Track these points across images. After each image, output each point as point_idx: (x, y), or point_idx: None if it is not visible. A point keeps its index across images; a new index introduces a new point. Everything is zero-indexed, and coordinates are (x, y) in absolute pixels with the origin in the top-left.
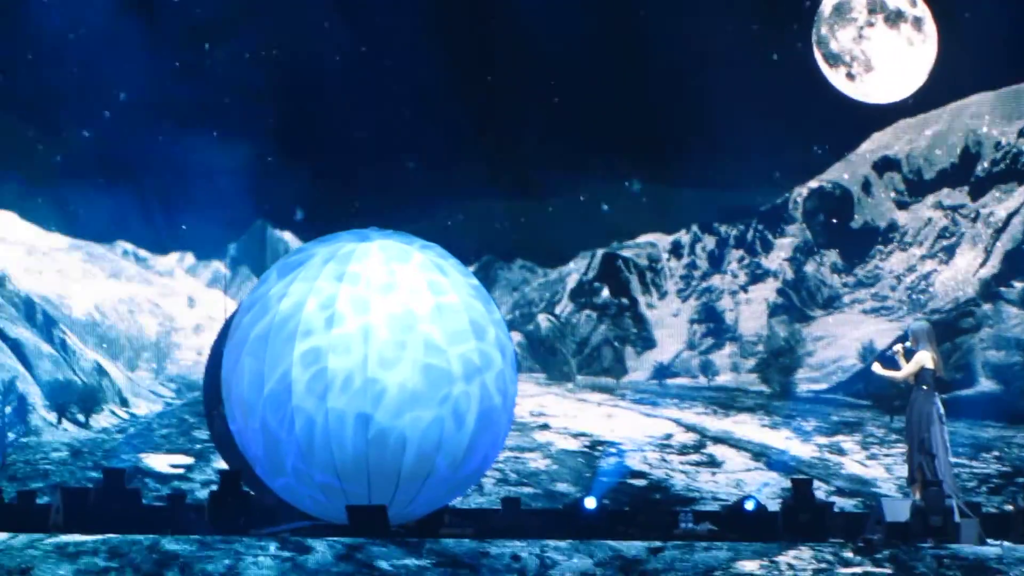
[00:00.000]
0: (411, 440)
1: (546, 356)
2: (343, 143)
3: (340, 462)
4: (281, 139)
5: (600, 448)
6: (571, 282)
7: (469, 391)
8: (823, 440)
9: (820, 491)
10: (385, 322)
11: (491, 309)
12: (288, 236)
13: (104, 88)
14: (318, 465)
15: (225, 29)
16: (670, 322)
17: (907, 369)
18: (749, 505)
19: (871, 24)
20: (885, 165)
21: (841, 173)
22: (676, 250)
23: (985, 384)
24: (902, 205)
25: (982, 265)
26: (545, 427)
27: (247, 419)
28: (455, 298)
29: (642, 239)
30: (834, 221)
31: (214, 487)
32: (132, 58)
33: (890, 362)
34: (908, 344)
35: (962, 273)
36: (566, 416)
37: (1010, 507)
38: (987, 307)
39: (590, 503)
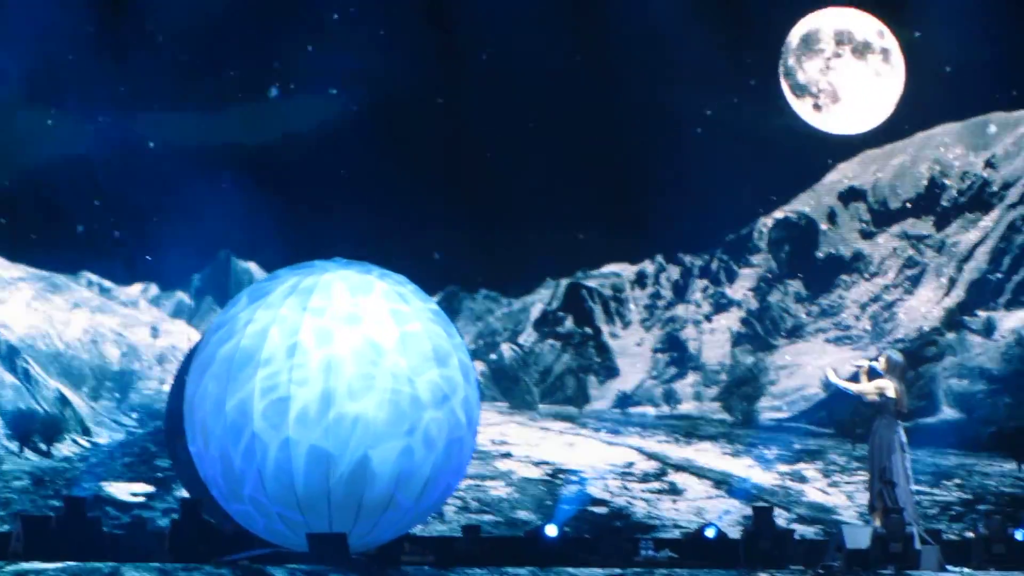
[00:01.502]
0: (379, 473)
1: (509, 385)
2: (307, 174)
3: (301, 494)
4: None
5: (562, 476)
6: (535, 312)
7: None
8: (785, 468)
9: (781, 519)
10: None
11: (451, 333)
12: (253, 266)
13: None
14: (274, 497)
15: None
16: (633, 351)
17: (863, 387)
18: (710, 532)
19: (838, 55)
20: (851, 195)
21: (806, 203)
22: (640, 280)
23: (948, 412)
24: (867, 235)
25: (946, 295)
26: (507, 455)
27: (207, 444)
28: (418, 326)
29: (606, 269)
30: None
31: (175, 516)
32: (98, 89)
33: (851, 377)
34: (875, 365)
35: (926, 303)
36: (528, 444)
37: (971, 534)
38: (951, 336)
39: (551, 531)
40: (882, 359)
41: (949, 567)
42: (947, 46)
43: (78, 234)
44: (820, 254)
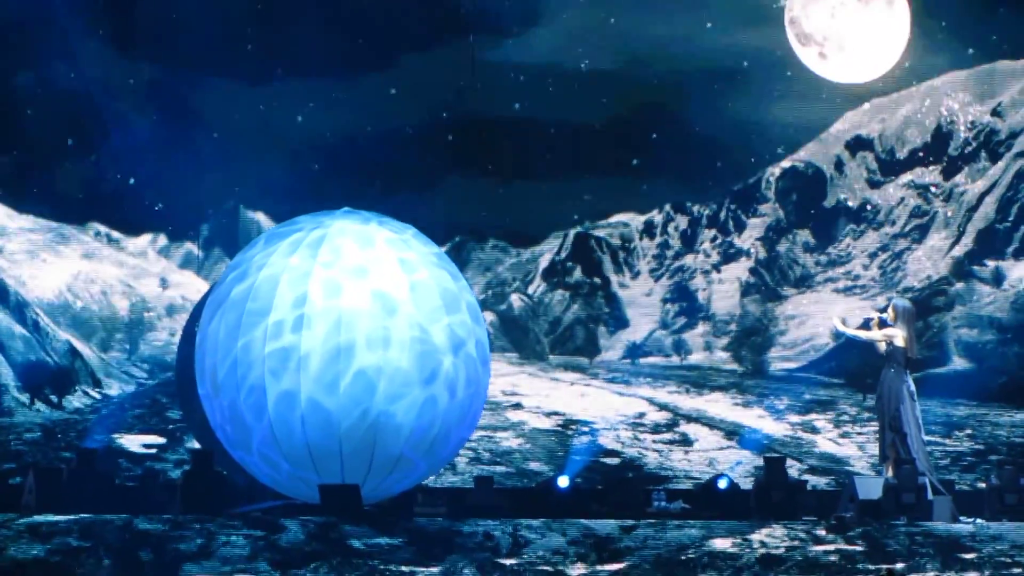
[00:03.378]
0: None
1: (519, 336)
2: (315, 124)
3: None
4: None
5: (573, 427)
6: (544, 262)
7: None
8: (796, 419)
9: (793, 469)
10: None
11: (456, 276)
12: (261, 216)
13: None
14: (283, 451)
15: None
16: (643, 301)
17: (872, 335)
18: (722, 483)
19: (843, 4)
20: (858, 144)
21: (814, 152)
22: (649, 230)
23: (958, 362)
24: (875, 184)
25: (955, 244)
26: (518, 406)
27: (217, 394)
28: (425, 274)
29: (615, 219)
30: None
31: (187, 467)
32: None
33: (862, 326)
34: (885, 316)
35: (935, 252)
36: (539, 395)
37: (983, 485)
38: (960, 286)
39: (563, 482)
40: (889, 307)
41: (962, 518)
42: None
43: (85, 183)
44: (828, 203)
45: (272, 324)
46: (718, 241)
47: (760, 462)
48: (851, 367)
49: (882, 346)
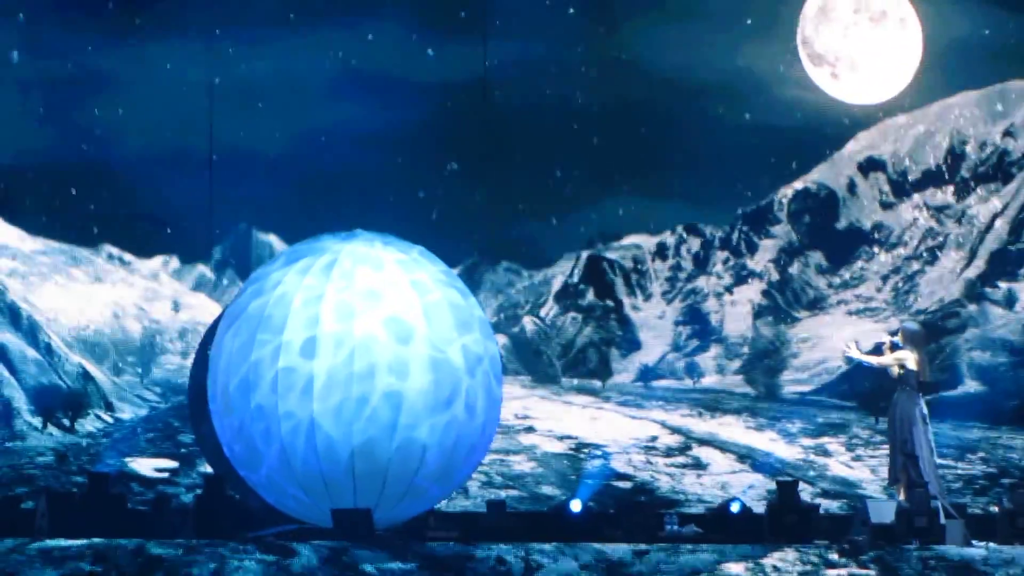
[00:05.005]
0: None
1: (531, 358)
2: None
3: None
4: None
5: (585, 450)
6: (556, 284)
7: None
8: (808, 442)
9: (805, 493)
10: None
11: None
12: (273, 239)
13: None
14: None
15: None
16: (655, 324)
17: (884, 360)
18: (734, 507)
19: (855, 24)
20: (870, 165)
21: (826, 174)
22: (661, 252)
23: (970, 385)
24: (887, 206)
25: (967, 266)
26: (530, 430)
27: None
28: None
29: (627, 241)
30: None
31: (199, 491)
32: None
33: (874, 351)
34: (897, 340)
35: (947, 274)
36: (551, 418)
37: (995, 508)
38: (972, 308)
39: (575, 506)
40: (900, 331)
41: (974, 541)
42: (965, 15)
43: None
44: (840, 225)
45: (284, 344)
46: (731, 263)
47: (773, 485)
48: (864, 390)
49: (895, 370)
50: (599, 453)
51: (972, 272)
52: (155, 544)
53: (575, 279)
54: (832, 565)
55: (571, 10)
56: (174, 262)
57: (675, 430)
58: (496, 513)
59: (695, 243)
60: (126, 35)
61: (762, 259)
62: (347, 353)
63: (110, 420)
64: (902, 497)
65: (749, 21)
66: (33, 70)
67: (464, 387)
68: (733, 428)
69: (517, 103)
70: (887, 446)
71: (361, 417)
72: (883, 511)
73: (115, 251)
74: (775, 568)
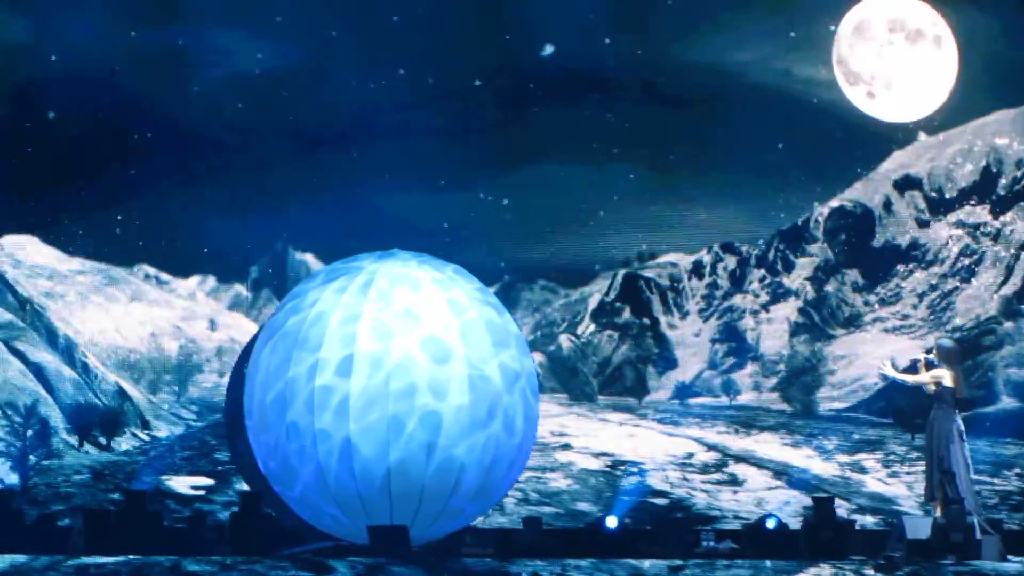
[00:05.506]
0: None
1: (568, 377)
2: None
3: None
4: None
5: (621, 467)
6: (593, 302)
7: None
8: (844, 458)
9: (841, 509)
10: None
11: (501, 311)
12: (310, 258)
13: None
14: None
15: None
16: (691, 342)
17: (920, 378)
18: (770, 523)
19: (891, 43)
20: (906, 184)
21: (862, 192)
22: (697, 270)
23: (1006, 402)
24: (923, 223)
25: (1003, 283)
26: (567, 447)
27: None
28: (474, 314)
29: (663, 259)
30: (854, 239)
31: (235, 509)
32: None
33: (909, 368)
34: (931, 357)
35: (983, 291)
36: (587, 436)
37: None
38: (1008, 325)
39: (611, 522)
40: (935, 349)
41: (1010, 557)
42: (1000, 32)
43: (134, 226)
44: (876, 243)
45: (320, 361)
46: (767, 281)
47: (809, 502)
48: (900, 407)
49: (930, 388)
50: (635, 470)
51: (1008, 289)
52: (191, 561)
53: (611, 297)
54: None
55: (605, 39)
56: (211, 281)
57: (711, 447)
58: (532, 530)
59: (731, 261)
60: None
61: (798, 277)
62: (384, 373)
63: (146, 438)
64: (938, 513)
65: (792, 34)
66: None
67: (503, 404)
68: (769, 445)
69: (556, 117)
70: (924, 463)
71: (398, 436)
72: (919, 527)
73: (152, 271)
74: None
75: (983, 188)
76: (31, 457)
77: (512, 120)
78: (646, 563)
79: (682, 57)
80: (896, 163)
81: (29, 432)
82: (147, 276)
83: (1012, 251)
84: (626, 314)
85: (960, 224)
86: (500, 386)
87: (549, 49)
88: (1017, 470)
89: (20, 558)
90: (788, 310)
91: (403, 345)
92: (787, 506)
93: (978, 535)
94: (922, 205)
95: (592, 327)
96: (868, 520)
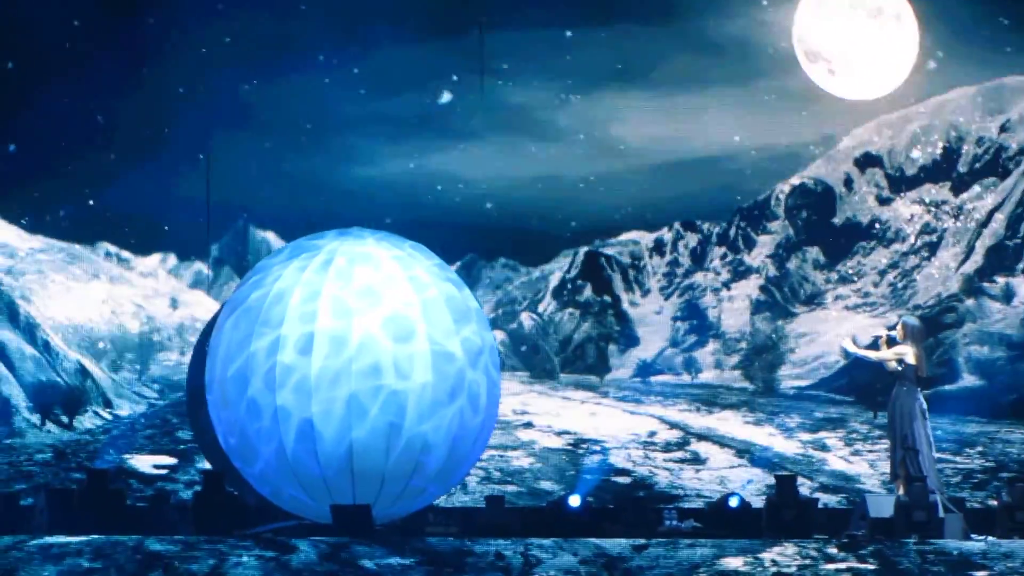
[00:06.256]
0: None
1: (529, 354)
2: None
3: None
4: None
5: (584, 446)
6: (554, 280)
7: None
8: (807, 436)
9: (804, 487)
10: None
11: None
12: (271, 236)
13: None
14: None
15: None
16: (653, 320)
17: (883, 354)
18: (733, 502)
19: (852, 20)
20: (867, 161)
21: (823, 169)
22: (659, 247)
23: (968, 379)
24: (884, 201)
25: (964, 261)
26: (529, 425)
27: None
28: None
29: (624, 237)
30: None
31: (198, 488)
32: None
33: (870, 345)
34: (893, 334)
35: (945, 269)
36: (549, 414)
37: (994, 502)
38: (970, 302)
39: (574, 501)
40: (899, 326)
41: (973, 535)
42: (961, 10)
43: (95, 204)
44: (837, 220)
45: (282, 338)
46: (728, 259)
47: (771, 480)
48: (861, 384)
49: (892, 365)
50: (598, 448)
51: (970, 267)
52: (154, 540)
53: (573, 275)
54: (831, 559)
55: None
56: (172, 259)
57: (673, 425)
58: (495, 508)
59: (692, 239)
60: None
61: (759, 255)
62: (346, 351)
63: (108, 417)
64: (901, 492)
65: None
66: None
67: (467, 380)
68: (731, 423)
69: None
70: (886, 441)
71: (360, 415)
72: (882, 505)
73: (113, 249)
74: (774, 562)
75: (943, 166)
76: None
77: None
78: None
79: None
80: (856, 141)
81: None
82: (108, 254)
83: (973, 228)
84: (587, 292)
85: (921, 202)
86: (464, 362)
87: (447, 96)
88: (979, 448)
89: None
90: (749, 288)
91: (364, 324)
92: (750, 484)
93: (941, 513)
94: (883, 183)
95: (553, 305)
96: (831, 498)
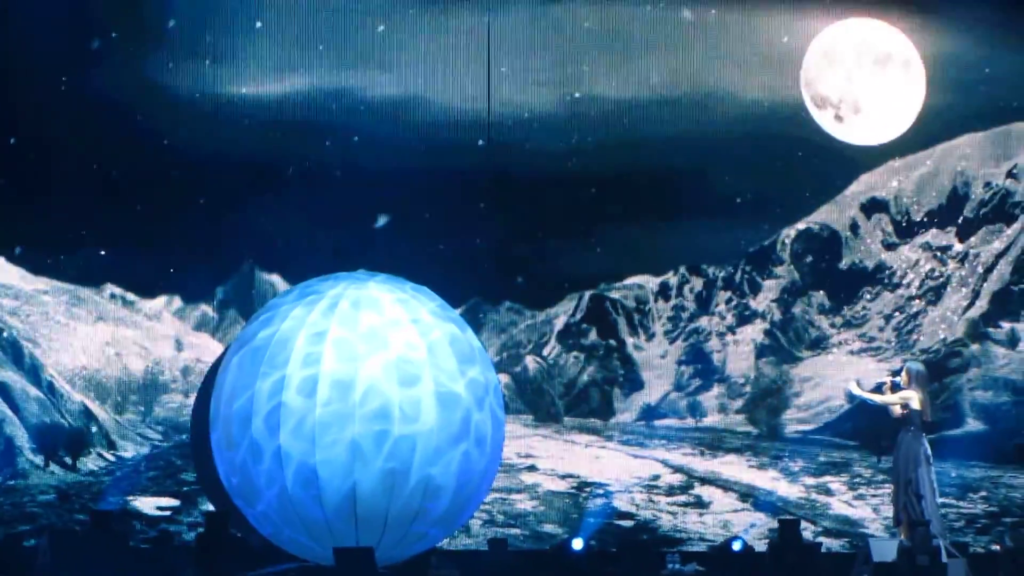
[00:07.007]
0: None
1: (533, 398)
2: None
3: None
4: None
5: (587, 489)
6: (559, 324)
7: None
8: (810, 480)
9: (807, 531)
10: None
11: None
12: (276, 278)
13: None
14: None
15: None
16: (657, 363)
17: (887, 399)
18: (736, 546)
19: (859, 66)
20: (873, 207)
21: (829, 214)
22: (664, 292)
23: (972, 424)
24: (890, 246)
25: (970, 306)
26: (532, 468)
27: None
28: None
29: (630, 281)
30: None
31: (201, 529)
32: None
33: (875, 389)
34: (897, 380)
35: (950, 314)
36: (553, 457)
37: (997, 547)
38: (975, 347)
39: (577, 544)
40: (903, 371)
41: None
42: (969, 56)
43: (100, 247)
44: (843, 265)
45: (287, 378)
46: (733, 303)
47: (775, 524)
48: (866, 429)
49: (896, 410)
50: (601, 492)
51: (975, 312)
52: None
53: (577, 319)
54: None
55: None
56: (176, 302)
57: (677, 469)
58: (498, 551)
59: (698, 283)
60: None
61: (765, 299)
62: (350, 394)
63: (112, 458)
64: (904, 537)
65: (754, 58)
66: None
67: (473, 421)
68: (735, 467)
69: (515, 145)
70: (890, 485)
71: (364, 458)
72: (885, 550)
73: (118, 291)
74: None
75: (950, 211)
76: None
77: None
78: None
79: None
80: (863, 186)
81: None
82: (113, 296)
83: (978, 274)
84: (592, 336)
85: (927, 247)
86: (470, 402)
87: (382, 220)
88: (983, 492)
89: None
90: (754, 332)
91: (369, 367)
92: (753, 528)
93: (944, 558)
94: (889, 228)
95: (558, 348)
96: (834, 543)
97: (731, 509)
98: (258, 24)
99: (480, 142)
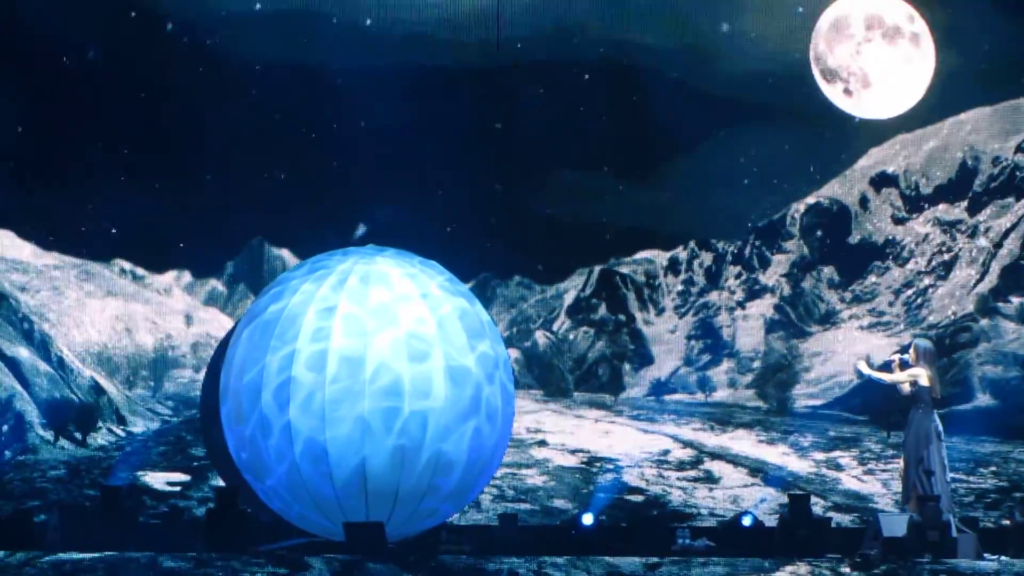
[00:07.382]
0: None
1: (543, 373)
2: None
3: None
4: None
5: (597, 464)
6: (568, 299)
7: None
8: (820, 455)
9: (817, 506)
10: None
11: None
12: (286, 253)
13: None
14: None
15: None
16: (667, 338)
17: (896, 376)
18: (746, 521)
19: (868, 40)
20: (882, 181)
21: (838, 189)
22: (673, 266)
23: (982, 399)
24: (899, 221)
25: (979, 280)
26: (542, 443)
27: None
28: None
29: (639, 255)
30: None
31: (211, 505)
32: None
33: (883, 367)
34: (906, 358)
35: (959, 288)
36: (563, 432)
37: (1007, 522)
38: (984, 322)
39: (587, 519)
40: (911, 348)
41: (986, 555)
42: (979, 31)
43: (110, 221)
44: (853, 240)
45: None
46: (743, 278)
47: (784, 499)
48: (875, 404)
49: (906, 387)
50: (611, 467)
51: (984, 287)
52: (167, 557)
53: (587, 294)
54: None
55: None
56: (186, 276)
57: (687, 444)
58: (508, 527)
59: (707, 258)
60: None
61: (774, 274)
62: (360, 369)
63: (122, 434)
64: (914, 512)
65: (754, 35)
66: None
67: (484, 395)
68: (745, 442)
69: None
70: (899, 460)
71: (374, 434)
72: (895, 525)
73: (128, 265)
74: None
75: (959, 185)
76: (6, 452)
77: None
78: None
79: (655, 53)
80: (873, 160)
81: (4, 427)
82: (123, 271)
83: (988, 248)
84: (602, 310)
85: (936, 221)
86: (480, 377)
87: (361, 230)
88: (992, 467)
89: None
90: (764, 307)
91: (379, 342)
92: (763, 503)
93: (954, 533)
94: (898, 202)
95: (568, 323)
96: (844, 518)
97: (741, 484)
98: (256, 6)
99: (497, 125)
